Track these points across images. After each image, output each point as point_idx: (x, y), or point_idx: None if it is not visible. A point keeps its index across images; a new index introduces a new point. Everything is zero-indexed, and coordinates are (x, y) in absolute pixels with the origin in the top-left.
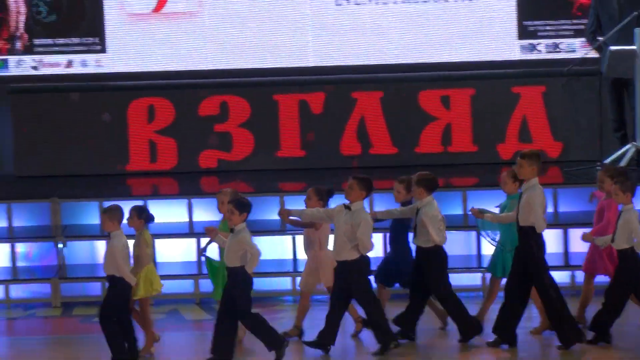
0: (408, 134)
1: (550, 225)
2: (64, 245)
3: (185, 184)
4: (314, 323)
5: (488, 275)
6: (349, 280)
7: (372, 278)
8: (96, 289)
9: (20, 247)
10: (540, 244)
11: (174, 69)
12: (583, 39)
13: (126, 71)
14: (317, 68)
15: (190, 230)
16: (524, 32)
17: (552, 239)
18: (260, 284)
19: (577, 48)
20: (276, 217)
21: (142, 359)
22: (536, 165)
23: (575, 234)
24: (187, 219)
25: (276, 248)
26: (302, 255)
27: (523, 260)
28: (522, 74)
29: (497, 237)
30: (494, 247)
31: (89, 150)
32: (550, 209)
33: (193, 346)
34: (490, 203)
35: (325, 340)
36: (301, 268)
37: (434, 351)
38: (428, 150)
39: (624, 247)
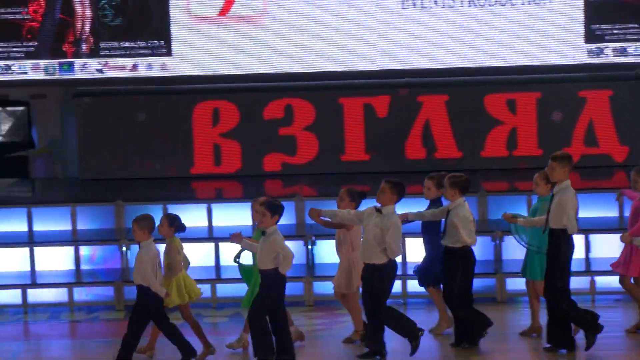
0: (473, 138)
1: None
2: (128, 249)
3: (250, 187)
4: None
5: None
6: (374, 283)
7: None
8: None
9: (84, 250)
10: (571, 247)
11: (239, 72)
12: None
13: (191, 74)
14: (383, 71)
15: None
16: (590, 36)
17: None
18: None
19: None
20: None
21: None
22: (568, 167)
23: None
24: (250, 222)
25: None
26: None
27: (550, 261)
28: (589, 78)
29: (527, 240)
30: (527, 251)
31: (153, 153)
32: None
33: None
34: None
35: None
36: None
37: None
38: (493, 154)
39: None
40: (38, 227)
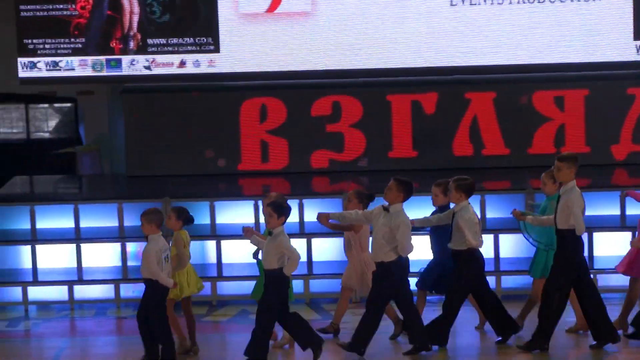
0: (521, 135)
1: None
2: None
3: (297, 184)
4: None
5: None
6: (383, 282)
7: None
8: (206, 289)
9: (131, 247)
10: (579, 247)
11: (286, 69)
12: None
13: (239, 71)
14: (431, 68)
15: (301, 231)
16: None
17: None
18: None
19: None
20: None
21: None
22: (574, 168)
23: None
24: (297, 219)
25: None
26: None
27: (557, 259)
28: (638, 75)
29: (535, 237)
30: (536, 249)
31: (200, 150)
32: None
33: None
34: (601, 205)
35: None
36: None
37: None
38: (541, 152)
39: None
40: (85, 223)
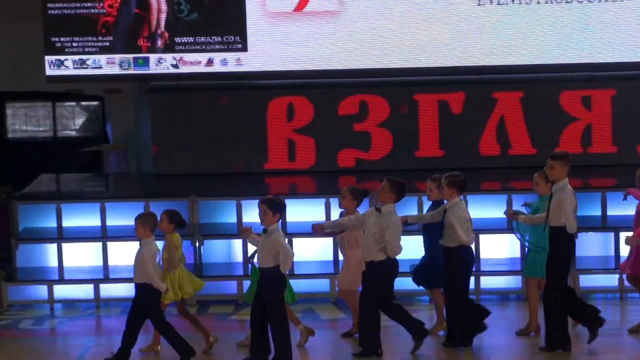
0: (548, 135)
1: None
2: (201, 244)
3: (323, 183)
4: None
5: None
6: (372, 281)
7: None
8: (232, 287)
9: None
10: (570, 245)
11: (314, 68)
12: None
13: (266, 70)
14: (458, 68)
15: None
16: None
17: None
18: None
19: None
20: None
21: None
22: (567, 166)
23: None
24: (324, 219)
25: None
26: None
27: (551, 259)
28: None
29: (527, 238)
30: (528, 250)
31: (227, 148)
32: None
33: (328, 344)
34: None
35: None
36: None
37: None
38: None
39: None
40: (111, 222)
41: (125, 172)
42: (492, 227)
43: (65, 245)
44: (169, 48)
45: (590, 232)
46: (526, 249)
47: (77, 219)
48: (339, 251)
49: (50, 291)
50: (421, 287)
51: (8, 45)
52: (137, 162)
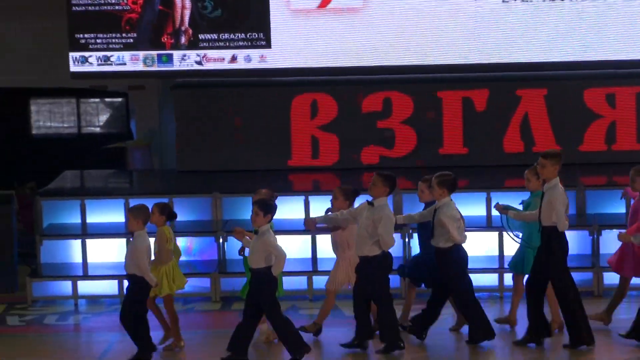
0: (572, 132)
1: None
2: (225, 240)
3: (347, 179)
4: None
5: None
6: (368, 276)
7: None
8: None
9: (181, 242)
10: (563, 243)
11: (337, 65)
12: None
13: (290, 67)
14: (482, 65)
15: None
16: None
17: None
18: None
19: None
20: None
21: (170, 352)
22: (558, 165)
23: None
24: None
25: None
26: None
27: (543, 259)
28: None
29: (520, 235)
30: (518, 245)
31: (251, 145)
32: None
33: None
34: None
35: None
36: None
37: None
38: (592, 149)
39: None
40: None
41: (149, 168)
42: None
43: (89, 241)
44: (193, 45)
45: (614, 230)
46: (517, 243)
47: (101, 215)
48: (333, 251)
49: (75, 287)
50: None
51: (33, 42)
52: (160, 158)
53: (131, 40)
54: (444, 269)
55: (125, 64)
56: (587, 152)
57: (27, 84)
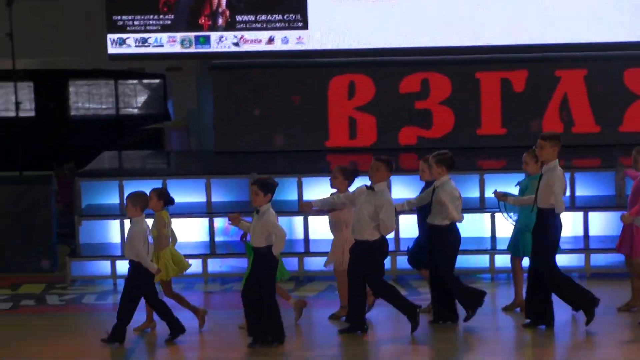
0: (612, 113)
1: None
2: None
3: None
4: None
5: None
6: (366, 260)
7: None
8: (293, 264)
9: (219, 222)
10: (558, 225)
11: (375, 46)
12: None
13: (328, 48)
14: (520, 46)
15: None
16: None
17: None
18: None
19: None
20: (476, 195)
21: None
22: (557, 147)
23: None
24: None
25: (474, 226)
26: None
27: (538, 240)
28: None
29: (516, 218)
30: (514, 228)
31: (288, 126)
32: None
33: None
34: None
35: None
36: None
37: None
38: (631, 129)
39: None
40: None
41: (187, 149)
42: None
43: (127, 222)
44: (230, 26)
45: None
46: (513, 226)
47: None
48: (331, 231)
49: (113, 267)
50: (483, 265)
51: (71, 24)
52: (198, 139)
53: (169, 21)
54: (437, 246)
55: (162, 45)
56: (627, 133)
57: (65, 66)
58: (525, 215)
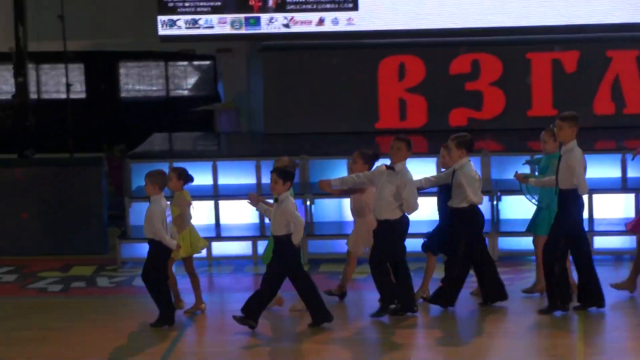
0: None
1: None
2: (312, 203)
3: (434, 142)
4: None
5: None
6: (387, 239)
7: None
8: (342, 246)
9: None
10: (580, 206)
11: (425, 27)
12: None
13: (377, 29)
14: (572, 26)
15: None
16: None
17: None
18: (507, 243)
19: None
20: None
21: (192, 315)
22: (576, 127)
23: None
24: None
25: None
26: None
27: (560, 221)
28: None
29: (537, 199)
30: (535, 209)
31: (338, 107)
32: None
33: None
34: None
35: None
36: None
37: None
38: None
39: None
40: (223, 180)
41: (237, 131)
42: (607, 187)
43: None
44: (280, 7)
45: None
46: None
47: None
48: (352, 215)
49: None
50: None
51: (122, 5)
52: (248, 121)
53: (219, 3)
54: (457, 228)
55: (213, 27)
56: None
57: (116, 47)
58: (546, 194)
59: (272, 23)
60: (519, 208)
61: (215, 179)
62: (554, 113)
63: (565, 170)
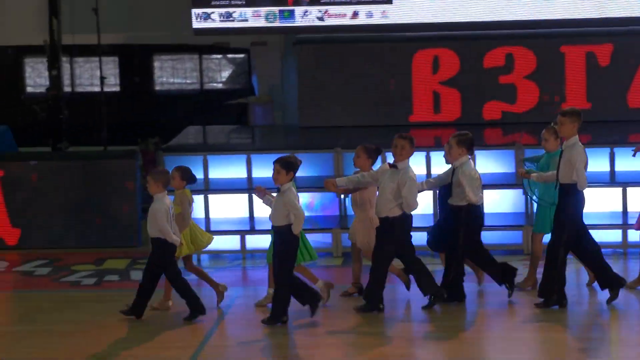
0: None
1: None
2: (346, 196)
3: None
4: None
5: None
6: (390, 237)
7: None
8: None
9: (303, 197)
10: (581, 201)
11: (459, 20)
12: None
13: (412, 22)
14: (606, 19)
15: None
16: None
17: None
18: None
19: None
20: None
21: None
22: (577, 123)
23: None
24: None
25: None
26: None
27: (560, 216)
28: None
29: (537, 194)
30: (537, 205)
31: (372, 100)
32: None
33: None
34: None
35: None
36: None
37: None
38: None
39: None
40: (257, 173)
41: (271, 124)
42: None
43: (211, 197)
44: (315, 1)
45: None
46: (535, 204)
47: (223, 170)
48: (353, 210)
49: None
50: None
51: None
52: (282, 114)
53: None
54: (456, 226)
55: (247, 20)
56: None
57: (150, 40)
58: (548, 191)
59: (307, 16)
60: None
61: (249, 171)
62: (588, 106)
63: (566, 165)
